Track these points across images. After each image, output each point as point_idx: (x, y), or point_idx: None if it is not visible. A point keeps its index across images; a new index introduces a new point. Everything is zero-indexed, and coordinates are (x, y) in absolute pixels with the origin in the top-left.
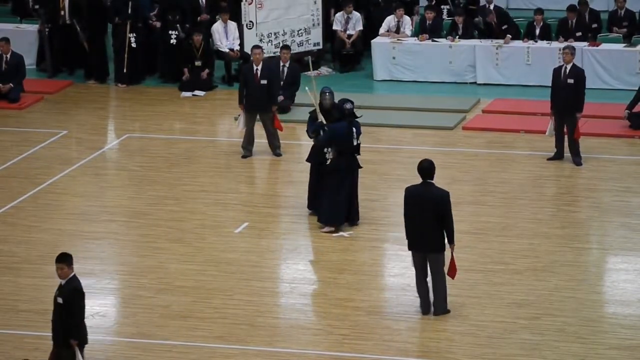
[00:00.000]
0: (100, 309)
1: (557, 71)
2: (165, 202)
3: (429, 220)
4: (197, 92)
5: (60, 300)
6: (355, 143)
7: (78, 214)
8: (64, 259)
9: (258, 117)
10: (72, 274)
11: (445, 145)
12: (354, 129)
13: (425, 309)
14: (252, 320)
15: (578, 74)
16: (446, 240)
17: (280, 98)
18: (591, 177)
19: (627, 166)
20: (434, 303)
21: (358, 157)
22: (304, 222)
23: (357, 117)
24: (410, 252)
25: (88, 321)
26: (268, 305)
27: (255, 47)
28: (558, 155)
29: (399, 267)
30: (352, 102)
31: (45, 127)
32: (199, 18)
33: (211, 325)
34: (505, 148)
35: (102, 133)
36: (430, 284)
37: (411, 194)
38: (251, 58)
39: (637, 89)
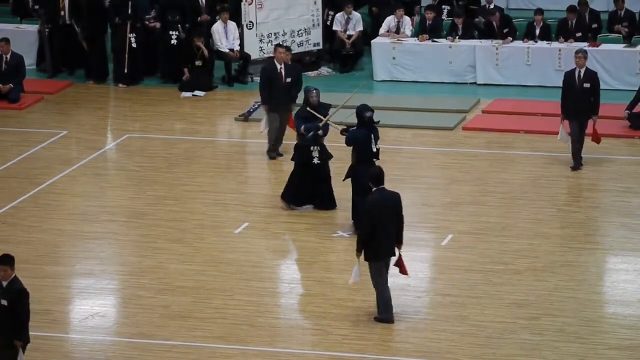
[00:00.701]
0: (100, 309)
1: (569, 75)
2: (165, 202)
3: (391, 224)
4: (197, 92)
5: (4, 302)
6: (374, 149)
7: (78, 214)
8: (8, 261)
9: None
10: (14, 275)
11: (445, 145)
12: (372, 135)
13: (391, 316)
14: (252, 320)
15: (593, 77)
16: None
17: None
18: (591, 177)
19: (627, 166)
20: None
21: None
22: (304, 222)
23: (375, 123)
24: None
25: (88, 321)
26: (268, 305)
27: (279, 45)
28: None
29: None
30: (372, 110)
31: (45, 127)
32: (199, 18)
33: (211, 325)
34: (505, 148)
35: (102, 133)
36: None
37: (374, 203)
38: (273, 56)
39: (637, 89)
